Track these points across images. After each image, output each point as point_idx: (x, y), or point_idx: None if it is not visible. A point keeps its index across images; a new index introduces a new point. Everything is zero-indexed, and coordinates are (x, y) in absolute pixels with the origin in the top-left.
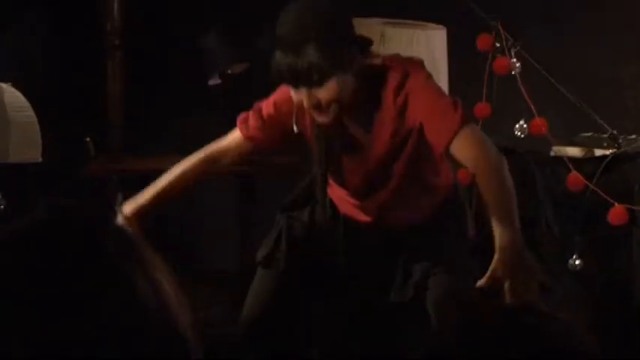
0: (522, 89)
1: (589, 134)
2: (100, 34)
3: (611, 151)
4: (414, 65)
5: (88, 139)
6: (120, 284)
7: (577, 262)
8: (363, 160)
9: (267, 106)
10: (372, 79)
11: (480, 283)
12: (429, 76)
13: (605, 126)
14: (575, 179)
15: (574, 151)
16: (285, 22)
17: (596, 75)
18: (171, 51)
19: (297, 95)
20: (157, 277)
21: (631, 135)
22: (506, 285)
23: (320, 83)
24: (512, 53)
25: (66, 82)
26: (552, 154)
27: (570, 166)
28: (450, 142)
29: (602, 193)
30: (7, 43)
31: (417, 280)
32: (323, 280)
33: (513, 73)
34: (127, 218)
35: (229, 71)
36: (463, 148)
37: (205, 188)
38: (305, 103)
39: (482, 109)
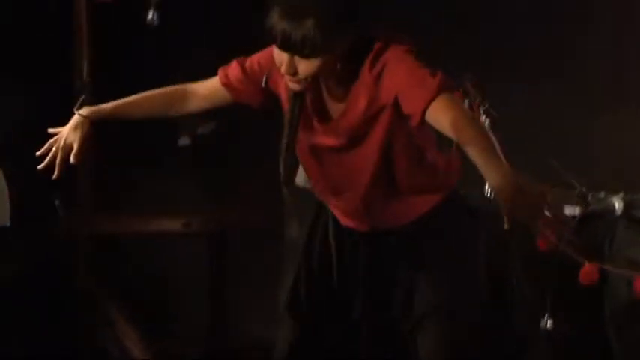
0: None
1: (557, 191)
2: (71, 92)
3: (580, 209)
4: (396, 39)
5: (58, 200)
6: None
7: (549, 322)
8: (335, 134)
9: (250, 61)
10: (355, 53)
11: (506, 226)
12: (410, 51)
13: (575, 183)
14: (544, 238)
15: None
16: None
17: (564, 129)
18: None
19: (278, 56)
20: (126, 344)
21: (600, 192)
22: (523, 213)
23: (307, 57)
24: (481, 110)
25: (35, 145)
26: None
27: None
28: (424, 110)
29: (571, 252)
30: None
31: (415, 316)
32: (344, 316)
33: None
34: (81, 117)
35: (199, 131)
36: (439, 113)
37: (177, 247)
38: (283, 68)
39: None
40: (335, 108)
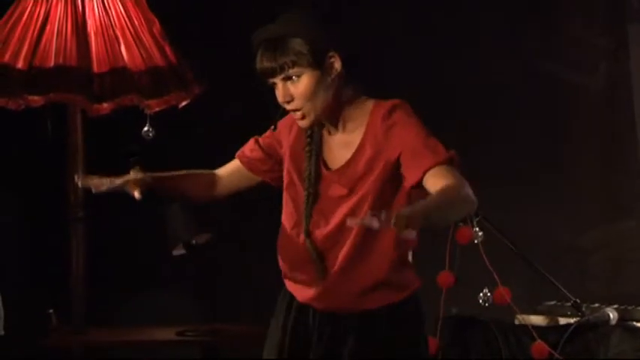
0: (485, 258)
1: (552, 303)
2: (63, 205)
3: (574, 319)
4: (402, 102)
5: (51, 310)
6: None
7: None
8: (339, 182)
9: (264, 135)
10: (358, 108)
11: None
12: (415, 115)
13: (568, 295)
14: (539, 348)
15: (538, 320)
16: (269, 26)
17: (558, 242)
18: (133, 220)
19: (277, 93)
20: None
21: (594, 303)
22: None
23: (293, 71)
24: (474, 222)
25: (29, 254)
26: (516, 322)
27: (535, 335)
28: (426, 172)
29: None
30: None
31: None
32: None
33: (476, 242)
34: (131, 180)
35: (193, 242)
36: (440, 177)
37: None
38: (279, 96)
39: (445, 278)
40: (340, 155)
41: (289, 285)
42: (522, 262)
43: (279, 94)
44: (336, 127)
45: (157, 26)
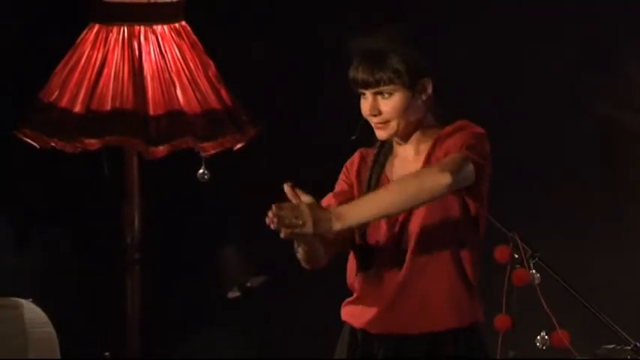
0: (542, 301)
1: (612, 346)
2: (120, 247)
3: None
4: (465, 122)
5: (107, 353)
6: None
7: None
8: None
9: (337, 184)
10: (431, 132)
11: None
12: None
13: (628, 338)
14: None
15: None
16: (369, 38)
17: (618, 286)
18: (190, 264)
19: (364, 104)
20: None
21: None
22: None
23: (387, 87)
24: (531, 264)
25: (85, 296)
26: None
27: None
28: (447, 152)
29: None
30: (27, 258)
31: None
32: None
33: (533, 284)
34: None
35: (248, 284)
36: (448, 157)
37: None
38: (366, 108)
39: (502, 321)
40: (407, 170)
41: (350, 312)
42: (581, 305)
43: (367, 106)
44: (405, 147)
45: (212, 69)
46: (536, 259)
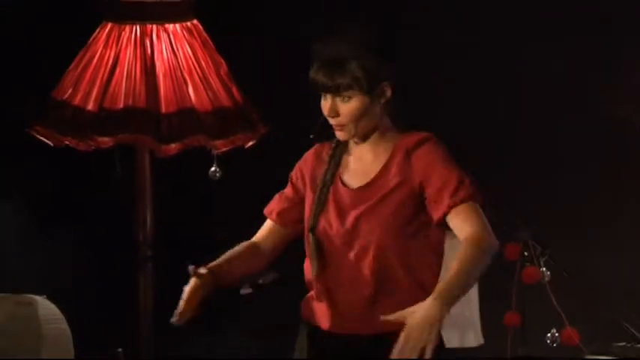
0: (552, 298)
1: (622, 344)
2: (132, 245)
3: None
4: (430, 135)
5: (119, 349)
6: None
7: None
8: (364, 198)
9: (287, 186)
10: (386, 136)
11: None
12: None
13: (639, 336)
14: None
15: None
16: (331, 41)
17: (628, 282)
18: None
19: (324, 105)
20: None
21: None
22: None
23: (345, 92)
24: (542, 262)
25: (97, 293)
26: None
27: None
28: (450, 209)
29: None
30: (40, 255)
31: None
32: None
33: (543, 282)
34: (199, 274)
35: (260, 281)
36: (465, 217)
37: None
38: (325, 109)
39: (511, 318)
40: (355, 176)
41: (311, 311)
42: (591, 302)
43: (326, 107)
44: (361, 147)
45: (224, 68)
46: (547, 256)
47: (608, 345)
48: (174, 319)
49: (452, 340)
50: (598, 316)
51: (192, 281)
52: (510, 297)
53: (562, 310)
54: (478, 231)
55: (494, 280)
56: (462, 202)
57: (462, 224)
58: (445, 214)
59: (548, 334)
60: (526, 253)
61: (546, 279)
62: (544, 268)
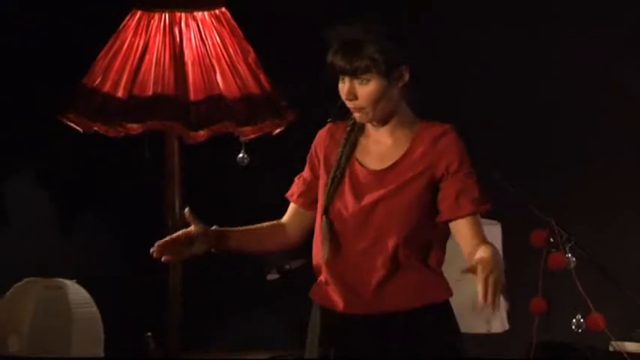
0: (578, 284)
1: None
2: (162, 229)
3: None
4: (452, 127)
5: (149, 333)
6: None
7: None
8: (383, 182)
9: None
10: (407, 122)
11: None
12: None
13: None
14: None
15: (633, 347)
16: (352, 24)
17: None
18: None
19: (342, 87)
20: None
21: None
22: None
23: (364, 75)
24: (567, 249)
25: (127, 279)
26: (611, 349)
27: None
28: (466, 215)
29: None
30: (71, 240)
31: None
32: None
33: (568, 268)
34: (206, 231)
35: (287, 267)
36: (472, 227)
37: None
38: (343, 92)
39: (537, 304)
40: (375, 159)
41: (323, 295)
42: (616, 288)
43: (345, 90)
44: (379, 131)
45: (252, 55)
46: (572, 243)
47: (634, 330)
48: (152, 249)
49: (478, 326)
50: (623, 302)
51: (192, 226)
52: (536, 283)
53: (587, 296)
54: (489, 244)
55: (520, 266)
56: (478, 212)
57: (471, 233)
58: (457, 218)
59: (574, 320)
60: (552, 240)
61: (572, 265)
62: (569, 255)
